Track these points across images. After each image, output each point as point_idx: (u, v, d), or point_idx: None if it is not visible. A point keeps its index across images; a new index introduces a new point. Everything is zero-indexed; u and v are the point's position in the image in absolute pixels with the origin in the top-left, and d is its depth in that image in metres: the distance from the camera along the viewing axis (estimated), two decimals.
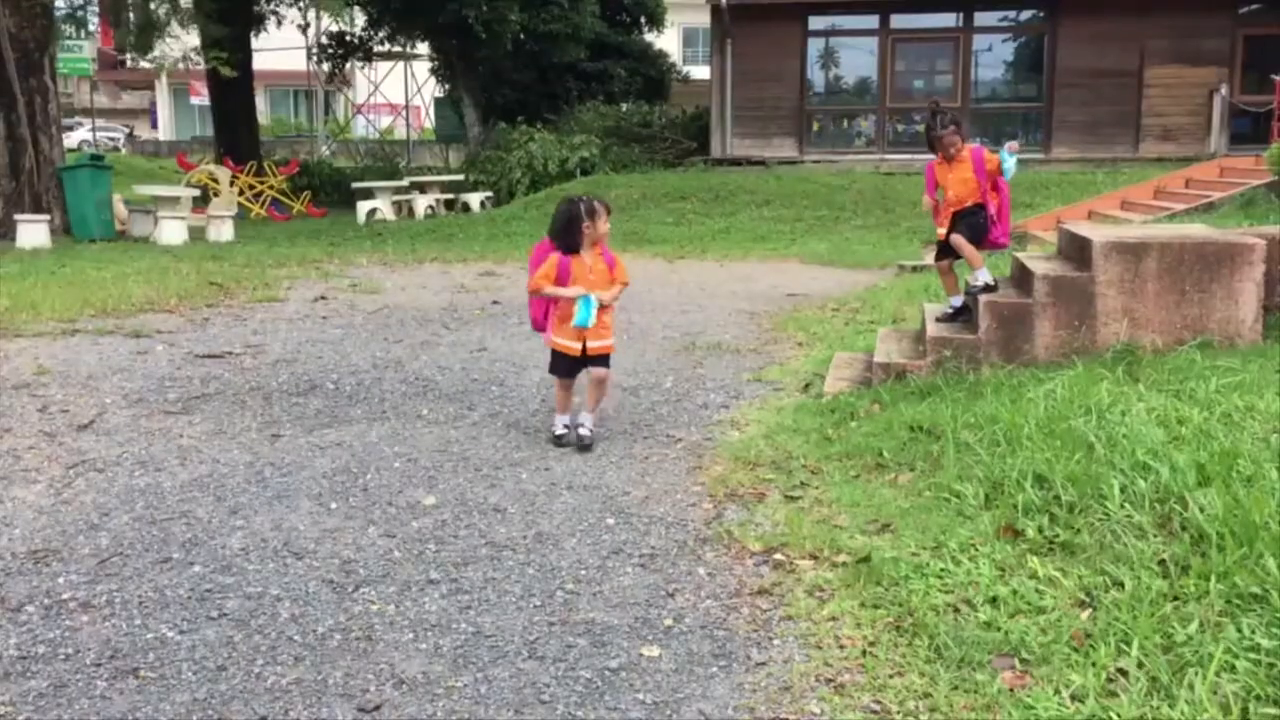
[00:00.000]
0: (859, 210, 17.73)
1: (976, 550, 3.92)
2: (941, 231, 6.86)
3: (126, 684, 3.35)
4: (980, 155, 6.61)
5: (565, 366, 5.84)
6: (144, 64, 26.52)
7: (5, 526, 4.65)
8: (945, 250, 6.89)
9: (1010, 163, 6.54)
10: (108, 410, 6.52)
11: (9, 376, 7.25)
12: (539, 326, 5.97)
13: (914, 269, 12.64)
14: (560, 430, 5.86)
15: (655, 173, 21.22)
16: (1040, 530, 3.95)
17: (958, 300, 6.87)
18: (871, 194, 18.34)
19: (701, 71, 30.89)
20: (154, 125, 52.30)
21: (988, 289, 6.52)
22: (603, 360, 5.78)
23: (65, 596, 3.96)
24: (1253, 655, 2.92)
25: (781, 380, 7.25)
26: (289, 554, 4.36)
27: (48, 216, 16.44)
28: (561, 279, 5.64)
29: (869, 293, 10.95)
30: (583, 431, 5.77)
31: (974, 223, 6.69)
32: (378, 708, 3.20)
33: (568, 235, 5.66)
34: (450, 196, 22.25)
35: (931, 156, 6.78)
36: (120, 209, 17.97)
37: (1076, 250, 6.46)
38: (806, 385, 7.00)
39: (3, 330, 8.75)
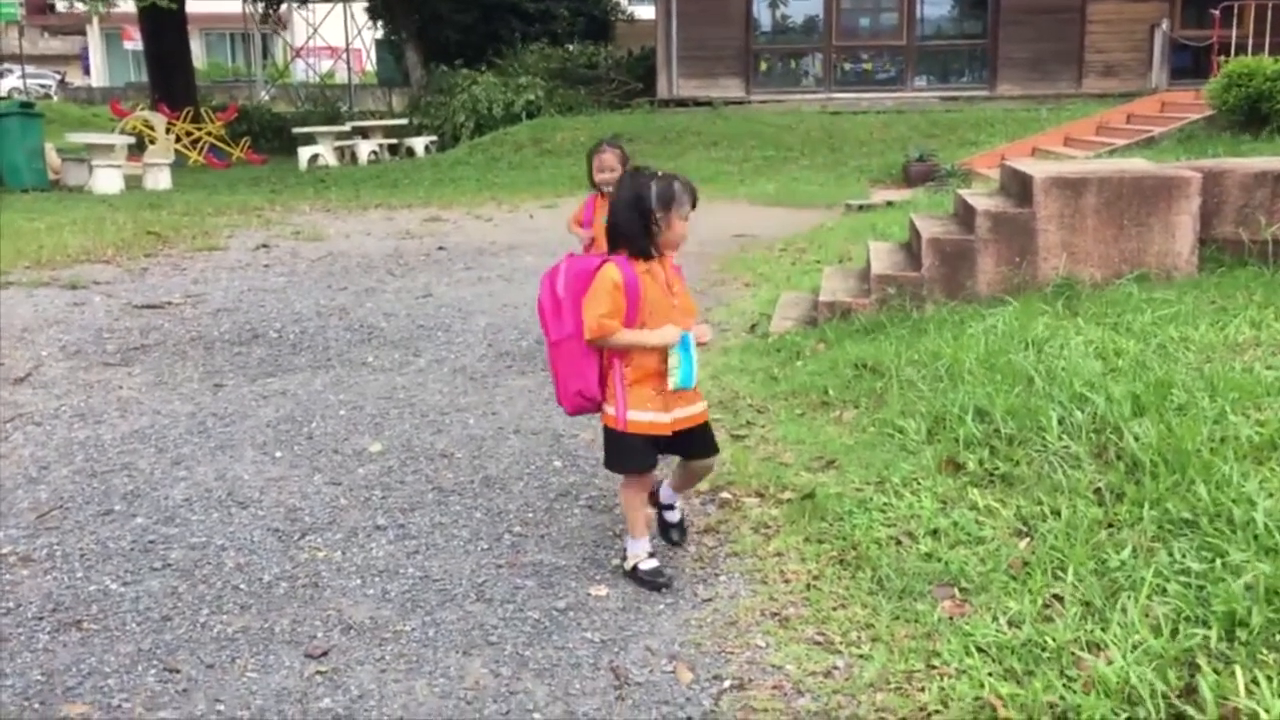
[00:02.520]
0: (806, 150, 17.72)
1: (919, 484, 3.98)
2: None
3: (70, 636, 3.32)
4: None
5: (651, 453, 3.62)
6: (78, 4, 25.69)
7: None
8: None
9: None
10: (44, 363, 6.40)
11: None
12: (586, 402, 3.60)
13: (860, 208, 12.68)
14: (650, 563, 3.60)
15: (601, 115, 21.03)
16: (981, 463, 4.02)
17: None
18: (818, 134, 18.33)
19: (647, 11, 30.48)
20: (86, 71, 50.87)
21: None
22: (705, 439, 3.70)
23: (4, 551, 3.90)
24: (1183, 578, 2.99)
25: (728, 321, 7.26)
26: (233, 504, 4.33)
27: None
28: (632, 308, 3.44)
29: (816, 232, 10.97)
30: (673, 516, 3.91)
31: None
32: (325, 653, 3.20)
33: (636, 234, 3.48)
34: (394, 141, 21.94)
35: None
36: (53, 158, 17.51)
37: (1018, 186, 6.51)
38: (753, 325, 7.02)
39: None
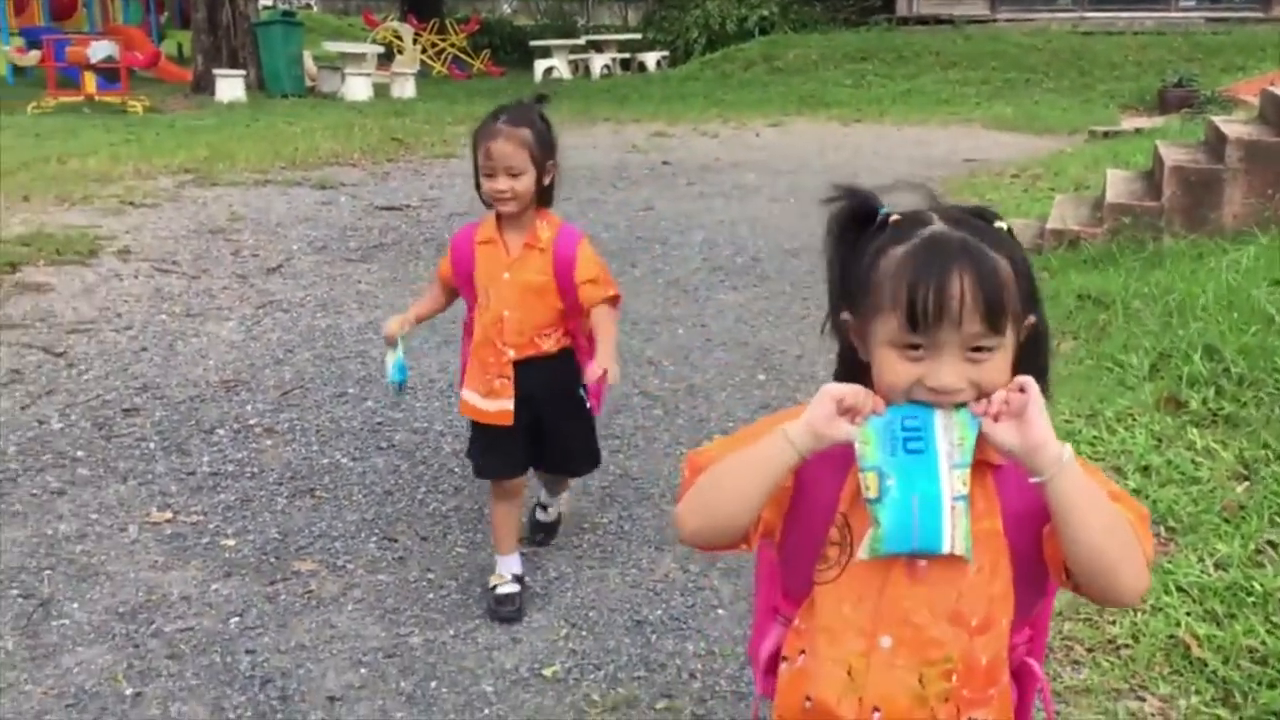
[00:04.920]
0: (1051, 73, 16.78)
1: (1134, 420, 3.82)
2: (490, 407, 3.00)
3: (304, 502, 3.65)
4: (572, 244, 3.00)
5: None
6: None
7: (201, 358, 5.04)
8: (512, 449, 3.07)
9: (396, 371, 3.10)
10: (294, 256, 6.90)
11: (207, 222, 7.72)
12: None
13: (1105, 135, 11.98)
14: None
15: (836, 32, 20.51)
16: (1204, 402, 3.82)
17: (515, 563, 3.12)
18: (1067, 55, 17.31)
19: None
20: None
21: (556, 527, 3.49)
22: None
23: (252, 422, 4.30)
24: None
25: None
26: (453, 394, 4.57)
27: (243, 71, 17.11)
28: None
29: (1053, 159, 10.46)
30: None
31: (576, 405, 3.12)
32: (525, 539, 3.40)
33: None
34: (626, 56, 22.10)
35: None
36: (310, 65, 18.55)
37: (1277, 114, 6.03)
38: None
39: (202, 178, 9.28)
